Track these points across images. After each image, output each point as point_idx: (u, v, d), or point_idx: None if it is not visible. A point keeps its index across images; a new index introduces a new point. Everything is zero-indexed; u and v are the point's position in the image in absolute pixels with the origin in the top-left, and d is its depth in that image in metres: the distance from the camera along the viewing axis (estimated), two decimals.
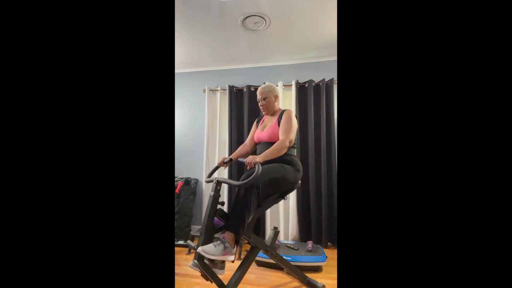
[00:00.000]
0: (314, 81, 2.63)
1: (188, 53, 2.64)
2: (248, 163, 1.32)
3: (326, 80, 2.60)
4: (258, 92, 1.64)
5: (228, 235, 1.25)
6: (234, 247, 1.24)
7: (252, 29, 2.18)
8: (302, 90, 2.66)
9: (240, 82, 2.87)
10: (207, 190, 2.80)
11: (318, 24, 2.10)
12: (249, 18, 2.03)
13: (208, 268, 1.20)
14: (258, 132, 1.64)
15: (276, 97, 1.63)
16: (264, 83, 2.71)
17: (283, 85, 2.69)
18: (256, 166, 1.28)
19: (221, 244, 1.19)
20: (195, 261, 1.20)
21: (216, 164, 1.62)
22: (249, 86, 2.76)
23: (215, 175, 2.72)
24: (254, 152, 1.68)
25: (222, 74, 2.96)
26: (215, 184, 1.34)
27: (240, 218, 1.27)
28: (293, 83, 2.64)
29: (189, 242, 1.47)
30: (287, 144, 1.44)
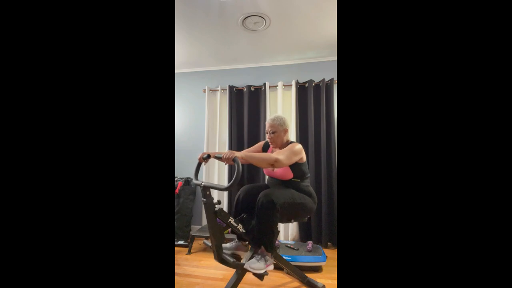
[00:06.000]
0: (314, 81, 2.63)
1: (188, 53, 2.64)
2: (225, 158, 1.21)
3: (326, 80, 2.60)
4: (267, 124, 1.56)
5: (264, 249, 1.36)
6: (272, 257, 1.37)
7: (252, 29, 2.18)
8: (302, 90, 2.66)
9: (240, 82, 2.87)
10: None
11: (318, 24, 2.10)
12: (249, 18, 2.03)
13: (233, 264, 1.33)
14: (267, 169, 1.59)
15: (286, 131, 1.57)
16: (265, 83, 2.73)
17: (283, 85, 2.69)
18: (236, 162, 1.20)
19: (262, 258, 1.32)
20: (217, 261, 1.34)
21: (204, 163, 1.56)
22: (249, 86, 2.76)
23: (215, 177, 2.76)
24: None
25: (222, 74, 2.96)
26: (203, 191, 1.33)
27: (270, 237, 1.36)
28: (293, 83, 2.64)
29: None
30: (272, 161, 1.32)
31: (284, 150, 1.43)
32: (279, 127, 1.54)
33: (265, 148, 1.71)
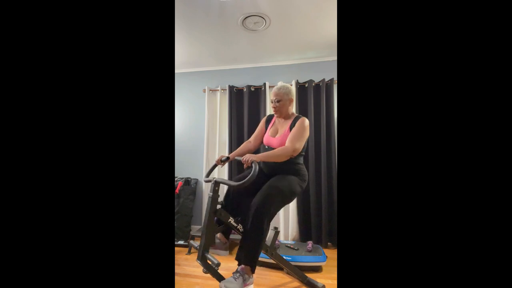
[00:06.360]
0: (314, 81, 2.63)
1: (188, 53, 2.64)
2: (245, 161, 1.29)
3: (326, 80, 2.60)
4: (272, 93, 1.55)
5: (246, 267, 1.28)
6: (251, 276, 1.29)
7: (252, 29, 2.18)
8: (302, 90, 2.66)
9: (240, 82, 2.87)
10: (207, 190, 2.80)
11: (318, 24, 2.10)
12: (249, 18, 2.03)
13: (212, 269, 1.26)
14: (268, 136, 1.57)
15: (291, 100, 1.55)
16: (265, 83, 2.73)
17: None
18: (253, 165, 1.26)
19: (241, 277, 1.23)
20: (199, 261, 1.26)
21: (214, 163, 1.59)
22: (249, 86, 2.76)
23: (215, 174, 2.76)
24: (257, 151, 1.63)
25: (222, 74, 2.96)
26: (213, 185, 1.33)
27: (255, 251, 1.30)
28: (293, 83, 2.64)
29: (191, 242, 1.50)
30: (290, 152, 1.38)
31: (296, 134, 1.42)
32: (285, 96, 1.52)
33: (268, 121, 1.67)
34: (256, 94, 2.78)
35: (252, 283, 1.29)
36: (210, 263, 1.25)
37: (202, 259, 1.25)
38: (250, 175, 1.22)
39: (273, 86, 2.72)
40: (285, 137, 1.47)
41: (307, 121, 1.48)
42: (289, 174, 1.46)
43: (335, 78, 2.60)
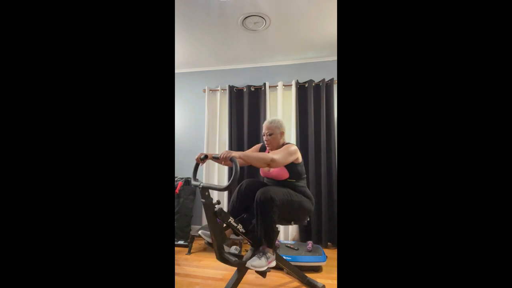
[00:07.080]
0: (314, 81, 2.63)
1: (188, 53, 2.64)
2: (223, 158, 1.24)
3: (326, 80, 2.60)
4: (264, 126, 1.60)
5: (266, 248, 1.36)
6: (273, 254, 1.38)
7: (252, 29, 2.18)
8: (302, 90, 2.66)
9: (240, 82, 2.87)
10: None
11: (318, 24, 2.10)
12: (249, 18, 2.03)
13: (235, 262, 1.35)
14: (263, 169, 1.62)
15: (282, 133, 1.60)
16: (265, 83, 2.73)
17: (283, 85, 2.69)
18: (233, 162, 1.22)
19: (264, 255, 1.32)
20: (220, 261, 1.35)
21: (201, 163, 1.55)
22: (249, 86, 2.76)
23: (215, 175, 2.76)
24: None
25: (222, 74, 2.96)
26: (201, 191, 1.33)
27: (271, 233, 1.36)
28: (293, 83, 2.64)
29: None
30: (268, 160, 1.35)
31: (280, 150, 1.46)
32: (276, 129, 1.57)
33: (262, 151, 1.73)
34: (256, 94, 2.78)
35: (274, 260, 1.36)
36: (230, 257, 1.33)
37: (221, 258, 1.33)
38: (233, 175, 1.21)
39: (273, 86, 2.73)
40: (280, 168, 1.52)
41: (294, 146, 1.51)
42: (300, 193, 1.51)
43: (335, 78, 2.60)
